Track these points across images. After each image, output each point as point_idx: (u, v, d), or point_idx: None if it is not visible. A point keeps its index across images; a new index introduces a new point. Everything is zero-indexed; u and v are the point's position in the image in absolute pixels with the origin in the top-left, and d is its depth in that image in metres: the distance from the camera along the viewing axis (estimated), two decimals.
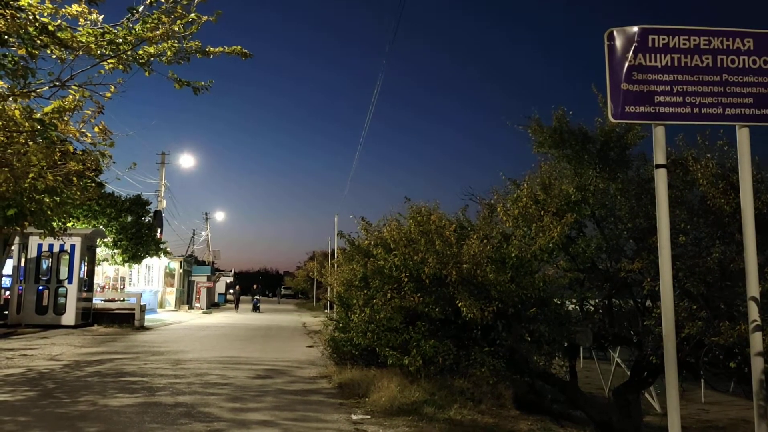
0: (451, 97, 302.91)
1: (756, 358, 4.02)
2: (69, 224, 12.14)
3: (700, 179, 7.64)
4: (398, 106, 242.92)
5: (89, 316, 18.82)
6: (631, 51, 4.06)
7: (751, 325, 4.02)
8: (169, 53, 7.63)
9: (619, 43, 4.08)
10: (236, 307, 39.83)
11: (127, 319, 19.04)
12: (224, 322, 25.43)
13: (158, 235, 29.16)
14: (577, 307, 10.02)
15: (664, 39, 4.10)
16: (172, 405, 6.89)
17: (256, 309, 37.88)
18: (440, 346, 8.25)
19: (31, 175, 8.16)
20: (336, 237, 25.27)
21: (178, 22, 7.33)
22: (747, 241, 4.03)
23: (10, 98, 7.60)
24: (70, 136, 8.55)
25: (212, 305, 42.49)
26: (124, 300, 21.09)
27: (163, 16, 7.23)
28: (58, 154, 8.78)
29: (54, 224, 9.91)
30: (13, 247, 17.18)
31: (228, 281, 58.17)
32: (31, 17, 6.72)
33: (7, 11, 6.42)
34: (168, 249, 30.96)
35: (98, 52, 7.31)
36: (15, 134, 7.92)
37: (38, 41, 6.79)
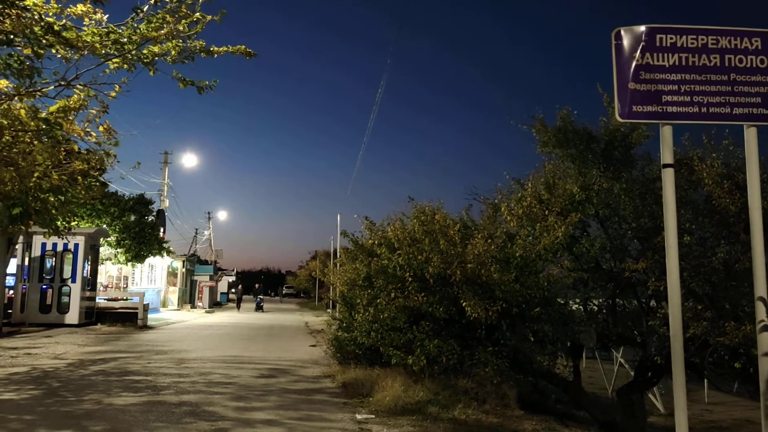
0: (452, 96, 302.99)
1: (763, 358, 4.00)
2: (73, 223, 12.16)
3: (706, 179, 7.63)
4: (400, 105, 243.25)
5: (92, 315, 18.86)
6: (639, 50, 4.05)
7: (758, 326, 4.00)
8: (173, 53, 7.64)
9: (626, 42, 4.07)
10: (238, 307, 39.85)
11: (130, 318, 19.07)
12: (227, 322, 25.46)
13: (161, 234, 29.23)
14: (581, 307, 10.01)
15: (671, 38, 4.09)
16: (177, 404, 6.90)
17: (259, 308, 37.86)
18: (444, 346, 8.24)
19: (36, 174, 8.18)
20: (339, 236, 25.27)
21: (183, 21, 7.34)
22: (755, 240, 4.01)
23: (16, 97, 7.63)
24: (75, 135, 8.59)
25: (215, 304, 42.52)
26: (127, 299, 21.14)
27: (167, 16, 7.25)
28: (63, 154, 8.80)
29: (58, 223, 9.93)
30: (17, 246, 17.22)
31: (230, 280, 58.18)
32: (36, 17, 6.73)
33: (13, 11, 6.44)
34: (171, 248, 31.05)
35: (103, 51, 7.33)
36: (20, 133, 7.94)
37: (44, 41, 6.80)
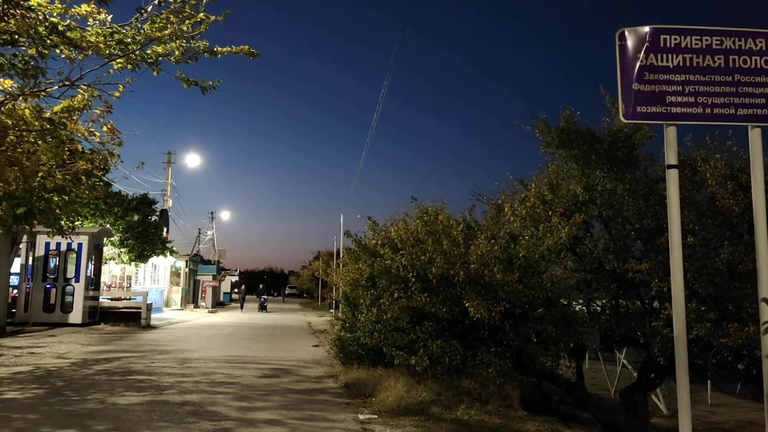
0: (454, 96, 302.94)
1: (767, 359, 3.99)
2: (77, 223, 12.19)
3: (709, 180, 7.60)
4: (403, 105, 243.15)
5: (96, 315, 18.91)
6: (643, 51, 4.05)
7: (762, 327, 3.99)
8: (177, 53, 7.66)
9: (630, 43, 4.07)
10: (241, 307, 39.88)
11: (133, 318, 19.12)
12: (230, 321, 25.49)
13: (164, 234, 29.31)
14: (584, 308, 10.00)
15: (675, 39, 4.08)
16: (180, 404, 6.91)
17: (263, 308, 37.86)
18: (447, 346, 8.23)
19: (40, 174, 8.20)
20: (342, 236, 25.30)
21: (187, 21, 7.36)
22: (759, 242, 4.00)
23: (21, 97, 7.65)
24: (79, 135, 8.60)
25: (217, 304, 42.59)
26: (130, 299, 21.19)
27: (171, 16, 7.26)
28: (67, 153, 8.82)
29: (62, 223, 9.95)
30: (21, 246, 17.27)
31: (233, 280, 58.27)
32: (41, 17, 6.76)
33: (18, 11, 6.47)
34: (174, 248, 31.10)
35: (107, 51, 7.35)
36: (25, 133, 7.96)
37: (48, 41, 6.83)
